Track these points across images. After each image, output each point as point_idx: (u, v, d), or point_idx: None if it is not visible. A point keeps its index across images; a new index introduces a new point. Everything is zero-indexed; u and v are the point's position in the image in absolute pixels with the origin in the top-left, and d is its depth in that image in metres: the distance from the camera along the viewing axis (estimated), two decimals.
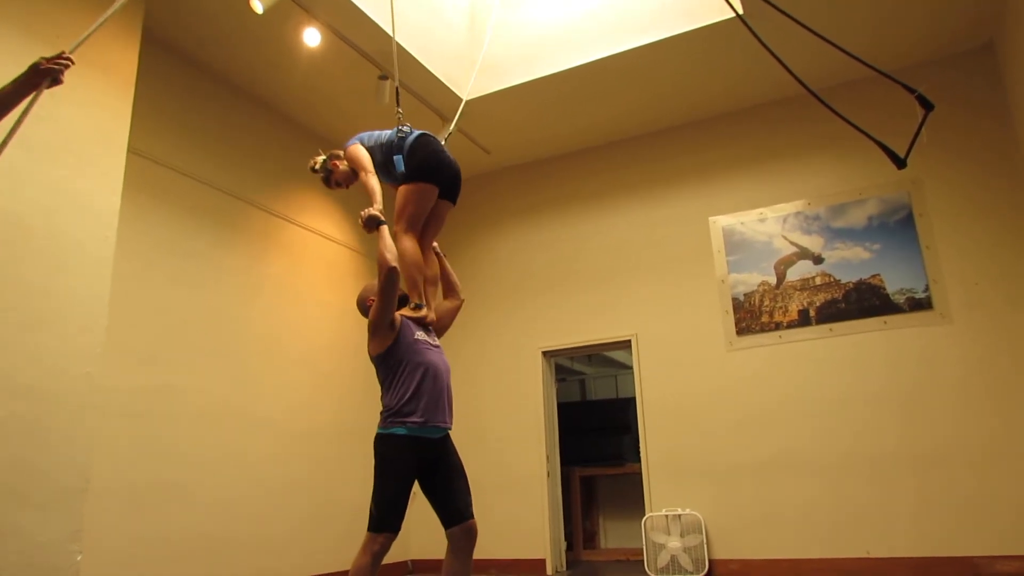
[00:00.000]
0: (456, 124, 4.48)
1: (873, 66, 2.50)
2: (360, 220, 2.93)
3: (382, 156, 3.24)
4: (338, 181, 3.38)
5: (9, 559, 3.02)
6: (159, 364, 4.53)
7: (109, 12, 2.47)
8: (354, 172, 3.27)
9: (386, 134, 3.30)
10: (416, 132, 3.27)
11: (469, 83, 5.42)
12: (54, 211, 3.42)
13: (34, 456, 3.18)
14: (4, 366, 3.13)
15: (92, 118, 3.69)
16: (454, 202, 3.32)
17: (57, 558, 3.20)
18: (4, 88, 2.10)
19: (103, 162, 3.74)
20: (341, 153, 3.35)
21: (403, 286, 2.93)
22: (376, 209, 2.95)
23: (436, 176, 3.15)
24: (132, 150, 4.09)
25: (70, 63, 2.19)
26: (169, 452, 4.48)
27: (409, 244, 3.04)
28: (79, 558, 3.29)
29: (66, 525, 3.26)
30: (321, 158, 3.41)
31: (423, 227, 3.19)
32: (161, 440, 4.45)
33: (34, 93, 2.17)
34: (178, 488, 4.49)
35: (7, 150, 2.14)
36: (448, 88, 5.62)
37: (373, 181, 3.15)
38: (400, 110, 3.44)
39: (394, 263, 2.76)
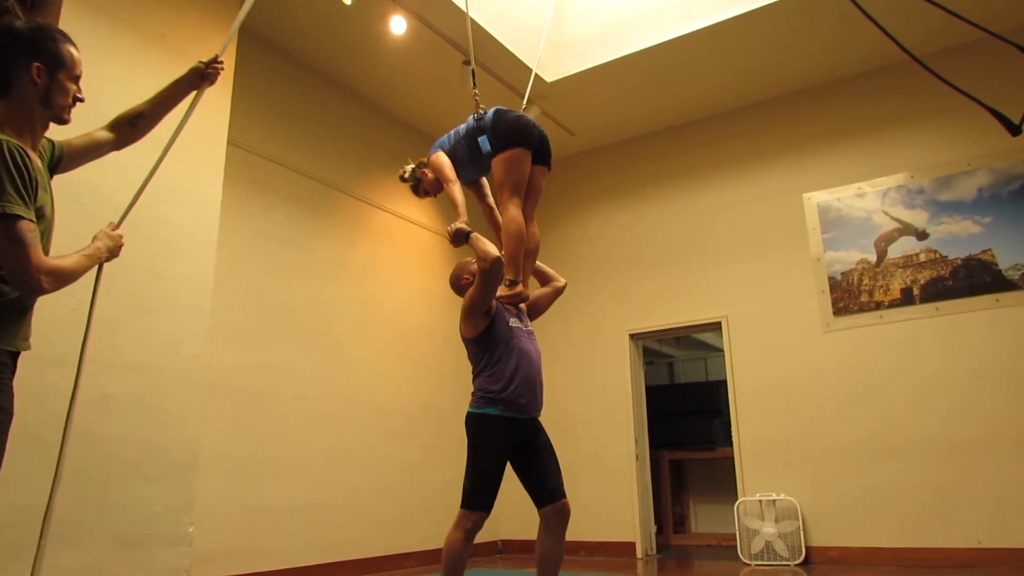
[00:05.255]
0: (528, 96, 4.37)
1: (982, 26, 2.34)
2: (448, 235, 2.92)
3: (466, 149, 3.21)
4: (426, 190, 3.39)
5: (129, 528, 3.23)
6: (259, 346, 4.74)
7: (242, 13, 2.56)
8: (440, 181, 3.26)
9: (463, 127, 3.27)
10: (491, 110, 3.23)
11: (547, 64, 5.36)
12: (161, 200, 3.59)
13: (148, 431, 3.38)
14: (119, 345, 3.33)
15: (194, 112, 3.87)
16: (549, 166, 3.26)
17: (172, 528, 3.39)
18: (168, 87, 2.33)
19: (205, 153, 3.92)
20: (427, 161, 3.34)
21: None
22: (462, 222, 2.93)
23: (524, 139, 3.11)
24: (231, 141, 4.26)
25: (223, 67, 2.41)
26: (270, 430, 4.70)
27: (515, 213, 3.01)
28: (191, 529, 3.48)
29: (179, 497, 3.45)
30: (410, 167, 3.41)
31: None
32: (262, 418, 4.66)
33: (195, 92, 2.40)
34: (279, 464, 4.71)
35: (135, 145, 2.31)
36: (532, 69, 5.59)
37: (457, 192, 3.12)
38: (477, 92, 3.37)
39: (497, 254, 2.74)
